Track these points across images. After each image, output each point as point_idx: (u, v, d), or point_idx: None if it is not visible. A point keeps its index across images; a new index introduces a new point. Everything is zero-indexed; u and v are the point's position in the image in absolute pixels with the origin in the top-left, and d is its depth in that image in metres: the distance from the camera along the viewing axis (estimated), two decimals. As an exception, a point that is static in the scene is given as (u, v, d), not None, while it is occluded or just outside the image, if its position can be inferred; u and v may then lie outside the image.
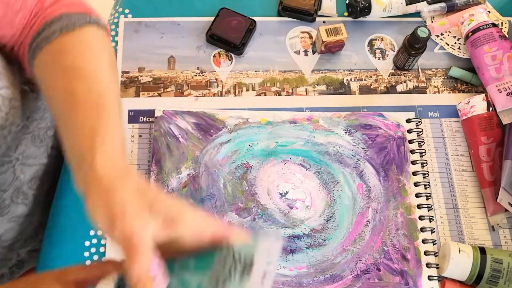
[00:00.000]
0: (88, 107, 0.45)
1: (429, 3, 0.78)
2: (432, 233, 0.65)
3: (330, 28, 0.73)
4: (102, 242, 0.62)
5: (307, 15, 0.77)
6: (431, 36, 0.71)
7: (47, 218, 0.65)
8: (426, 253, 0.63)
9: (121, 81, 0.72)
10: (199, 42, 0.76)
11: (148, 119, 0.70)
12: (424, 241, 0.64)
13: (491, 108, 0.69)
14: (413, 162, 0.68)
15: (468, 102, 0.71)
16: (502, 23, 0.80)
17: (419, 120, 0.70)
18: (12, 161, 0.58)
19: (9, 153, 0.57)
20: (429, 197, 0.66)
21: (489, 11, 0.79)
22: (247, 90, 0.73)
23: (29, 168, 0.61)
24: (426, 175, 0.67)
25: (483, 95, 0.70)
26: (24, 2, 0.50)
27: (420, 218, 0.65)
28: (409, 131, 0.70)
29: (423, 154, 0.69)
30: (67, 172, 0.66)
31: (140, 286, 0.36)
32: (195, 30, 0.76)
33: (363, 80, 0.75)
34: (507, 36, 0.73)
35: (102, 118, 0.44)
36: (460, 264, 0.60)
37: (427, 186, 0.67)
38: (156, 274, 0.37)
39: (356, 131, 0.69)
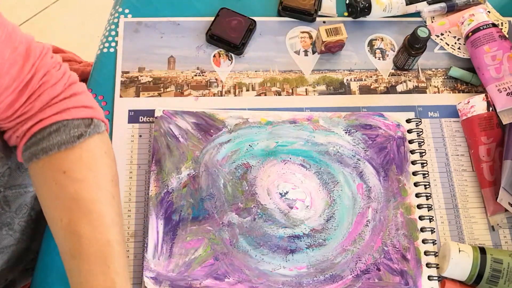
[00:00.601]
0: (94, 259, 0.46)
1: (429, 3, 0.78)
2: (432, 233, 0.65)
3: (330, 28, 0.73)
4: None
5: (307, 15, 0.77)
6: (431, 36, 0.71)
7: (36, 243, 0.63)
8: (426, 253, 0.63)
9: (121, 81, 0.72)
10: (199, 42, 0.76)
11: (148, 119, 0.70)
12: (424, 241, 0.64)
13: (491, 108, 0.69)
14: (413, 162, 0.68)
15: (468, 102, 0.71)
16: (502, 23, 0.80)
17: (419, 120, 0.70)
18: None
19: None
20: (429, 197, 0.66)
21: (489, 11, 0.79)
22: (247, 90, 0.73)
23: (14, 198, 0.60)
24: (426, 175, 0.67)
25: (483, 95, 0.70)
26: (19, 73, 0.47)
27: (420, 218, 0.65)
28: (409, 131, 0.70)
29: (423, 154, 0.69)
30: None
31: None
32: (195, 30, 0.76)
33: (363, 80, 0.75)
34: (507, 36, 0.73)
35: (108, 275, 0.45)
36: (460, 264, 0.60)
37: (427, 186, 0.67)
38: None
39: (356, 131, 0.69)
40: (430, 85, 0.75)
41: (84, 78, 0.77)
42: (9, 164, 0.58)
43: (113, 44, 0.75)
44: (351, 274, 0.62)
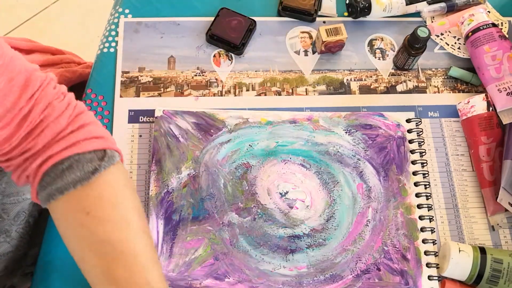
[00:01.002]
0: None
1: (429, 3, 0.78)
2: (432, 233, 0.65)
3: (330, 28, 0.73)
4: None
5: (307, 15, 0.77)
6: (431, 36, 0.71)
7: (35, 248, 0.62)
8: (426, 253, 0.63)
9: (121, 81, 0.72)
10: (199, 42, 0.76)
11: (148, 119, 0.70)
12: (424, 241, 0.64)
13: (491, 108, 0.69)
14: (413, 162, 0.68)
15: (468, 102, 0.71)
16: (502, 23, 0.80)
17: (419, 120, 0.70)
18: None
19: None
20: (429, 197, 0.66)
21: (489, 11, 0.79)
22: (247, 90, 0.73)
23: (11, 206, 0.59)
24: (426, 175, 0.67)
25: (483, 95, 0.70)
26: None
27: (420, 218, 0.65)
28: (409, 131, 0.70)
29: (423, 154, 0.69)
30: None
31: None
32: (195, 30, 0.76)
33: (363, 80, 0.75)
34: (507, 36, 0.73)
35: None
36: (460, 264, 0.60)
37: (427, 186, 0.67)
38: None
39: (356, 131, 0.69)
40: (430, 85, 0.75)
41: (82, 80, 0.77)
42: (6, 173, 0.58)
43: (113, 44, 0.75)
44: (351, 274, 0.62)
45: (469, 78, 0.75)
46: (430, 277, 0.62)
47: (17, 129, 0.45)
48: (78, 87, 0.78)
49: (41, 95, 0.46)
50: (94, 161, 0.46)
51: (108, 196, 0.46)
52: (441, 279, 0.62)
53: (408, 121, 0.70)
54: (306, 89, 0.74)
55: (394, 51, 0.78)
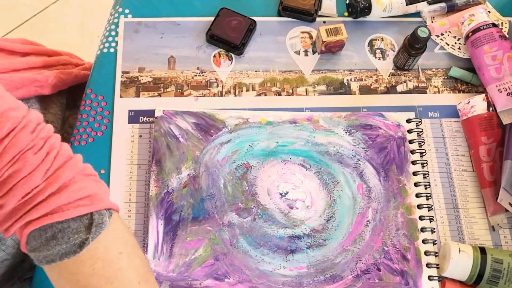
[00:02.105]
0: None
1: (429, 3, 0.78)
2: (432, 233, 0.65)
3: (330, 28, 0.73)
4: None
5: (307, 15, 0.77)
6: (431, 36, 0.71)
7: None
8: (426, 253, 0.63)
9: (121, 81, 0.72)
10: (199, 42, 0.76)
11: (148, 119, 0.69)
12: (424, 241, 0.64)
13: (491, 108, 0.69)
14: (413, 162, 0.68)
15: (468, 102, 0.71)
16: (502, 23, 0.80)
17: (419, 120, 0.70)
18: None
19: None
20: (429, 197, 0.66)
21: (489, 11, 0.79)
22: (247, 90, 0.73)
23: None
24: (426, 175, 0.67)
25: (483, 95, 0.70)
26: None
27: (421, 218, 0.65)
28: (409, 131, 0.70)
29: (423, 154, 0.69)
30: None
31: None
32: (195, 30, 0.76)
33: (363, 80, 0.75)
34: (507, 36, 0.73)
35: None
36: (460, 264, 0.60)
37: (427, 186, 0.67)
38: None
39: (356, 131, 0.69)
40: (430, 85, 0.75)
41: (79, 83, 0.77)
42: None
43: (113, 44, 0.74)
44: (351, 274, 0.62)
45: (469, 78, 0.75)
46: (430, 277, 0.62)
47: None
48: (75, 90, 0.78)
49: (10, 142, 0.39)
50: (81, 232, 0.41)
51: (100, 272, 0.41)
52: (441, 279, 0.62)
53: (408, 121, 0.70)
54: (306, 89, 0.74)
55: (394, 51, 0.78)
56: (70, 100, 0.80)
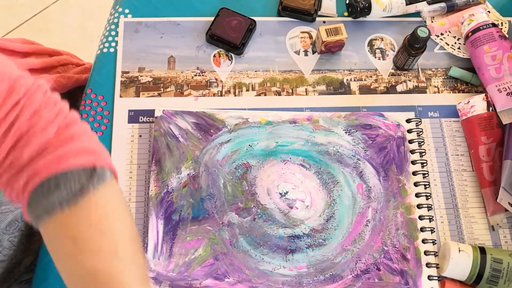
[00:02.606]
0: None
1: (429, 3, 0.78)
2: (432, 233, 0.65)
3: (330, 28, 0.73)
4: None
5: (307, 15, 0.77)
6: (431, 36, 0.71)
7: (30, 257, 0.62)
8: (426, 253, 0.63)
9: (121, 81, 0.72)
10: (199, 42, 0.76)
11: (148, 119, 0.70)
12: (424, 241, 0.64)
13: (491, 108, 0.69)
14: (413, 162, 0.68)
15: (468, 102, 0.71)
16: (502, 23, 0.80)
17: (419, 120, 0.70)
18: None
19: None
20: (429, 197, 0.66)
21: (489, 11, 0.79)
22: (247, 90, 0.73)
23: (3, 215, 0.58)
24: (426, 175, 0.67)
25: (483, 95, 0.70)
26: None
27: (420, 218, 0.65)
28: (409, 131, 0.70)
29: (423, 154, 0.69)
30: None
31: None
32: (195, 30, 0.76)
33: (363, 80, 0.75)
34: (507, 36, 0.73)
35: None
36: (460, 264, 0.60)
37: (427, 186, 0.67)
38: None
39: (356, 131, 0.69)
40: (430, 85, 0.75)
41: (78, 86, 0.77)
42: None
43: (113, 44, 0.75)
44: (351, 274, 0.62)
45: (469, 78, 0.75)
46: (430, 277, 0.62)
47: (3, 139, 0.42)
48: (75, 91, 0.78)
49: (27, 102, 0.43)
50: (82, 180, 0.43)
51: (97, 222, 0.43)
52: (441, 279, 0.62)
53: (408, 121, 0.70)
54: (306, 89, 0.74)
55: (394, 51, 0.78)
56: (70, 101, 0.79)
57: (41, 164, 0.42)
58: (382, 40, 0.78)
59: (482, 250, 0.61)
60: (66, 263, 0.43)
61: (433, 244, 0.64)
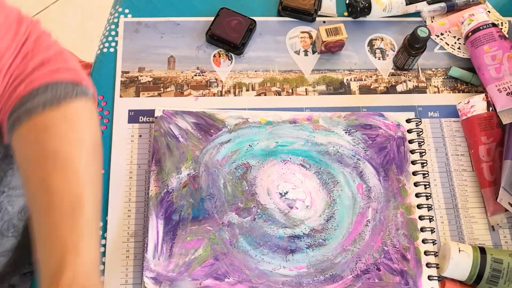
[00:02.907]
0: (63, 212, 0.43)
1: (429, 3, 0.78)
2: (432, 233, 0.65)
3: (330, 28, 0.73)
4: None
5: (307, 15, 0.77)
6: (431, 36, 0.71)
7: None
8: (426, 253, 0.63)
9: (121, 81, 0.72)
10: (199, 42, 0.76)
11: (148, 119, 0.70)
12: (424, 241, 0.64)
13: (491, 108, 0.69)
14: (413, 162, 0.68)
15: (468, 102, 0.71)
16: (502, 23, 0.80)
17: (419, 120, 0.70)
18: None
19: None
20: (429, 197, 0.66)
21: (489, 11, 0.79)
22: (247, 90, 0.73)
23: (17, 199, 0.59)
24: (426, 175, 0.67)
25: (483, 95, 0.70)
26: None
27: (420, 218, 0.65)
28: (409, 131, 0.70)
29: (423, 154, 0.69)
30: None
31: None
32: (195, 30, 0.76)
33: (363, 80, 0.75)
34: (507, 36, 0.73)
35: (76, 229, 0.43)
36: (460, 264, 0.60)
37: (427, 186, 0.67)
38: None
39: (356, 131, 0.69)
40: (430, 85, 0.75)
41: None
42: (12, 165, 0.58)
43: (113, 44, 0.75)
44: (351, 274, 0.62)
45: (469, 78, 0.75)
46: (430, 277, 0.62)
47: (16, 56, 0.48)
48: None
49: (33, 28, 0.50)
50: (70, 90, 0.48)
51: (71, 118, 0.47)
52: (441, 279, 0.62)
53: (408, 121, 0.70)
54: (306, 89, 0.74)
55: (394, 51, 0.78)
56: None
57: (39, 74, 0.48)
58: (382, 40, 0.78)
59: (482, 250, 0.61)
60: (30, 151, 0.46)
61: (433, 244, 0.64)
